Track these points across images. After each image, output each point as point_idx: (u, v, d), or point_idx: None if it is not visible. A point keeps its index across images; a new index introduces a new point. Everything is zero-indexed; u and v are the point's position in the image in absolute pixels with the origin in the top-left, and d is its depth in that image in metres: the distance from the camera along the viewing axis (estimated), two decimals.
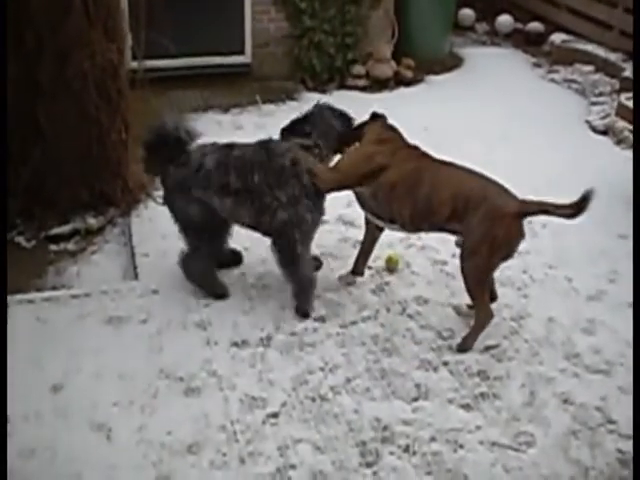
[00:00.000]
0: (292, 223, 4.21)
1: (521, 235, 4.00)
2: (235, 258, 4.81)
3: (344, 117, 4.49)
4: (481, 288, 4.10)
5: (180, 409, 3.65)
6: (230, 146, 4.37)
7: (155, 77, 5.83)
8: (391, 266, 4.73)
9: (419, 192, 4.05)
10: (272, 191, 4.19)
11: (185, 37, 7.08)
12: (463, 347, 4.14)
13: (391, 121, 4.51)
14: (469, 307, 4.33)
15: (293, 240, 4.24)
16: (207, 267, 4.49)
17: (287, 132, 4.43)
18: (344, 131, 4.43)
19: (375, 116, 4.45)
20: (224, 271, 4.69)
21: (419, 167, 4.15)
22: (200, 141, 4.42)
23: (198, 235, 4.38)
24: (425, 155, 4.27)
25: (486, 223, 3.91)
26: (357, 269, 4.66)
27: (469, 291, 4.10)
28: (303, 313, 4.35)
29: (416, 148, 4.31)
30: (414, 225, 4.22)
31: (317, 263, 4.72)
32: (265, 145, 4.33)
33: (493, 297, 4.32)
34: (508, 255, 4.04)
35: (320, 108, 4.47)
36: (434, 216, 4.06)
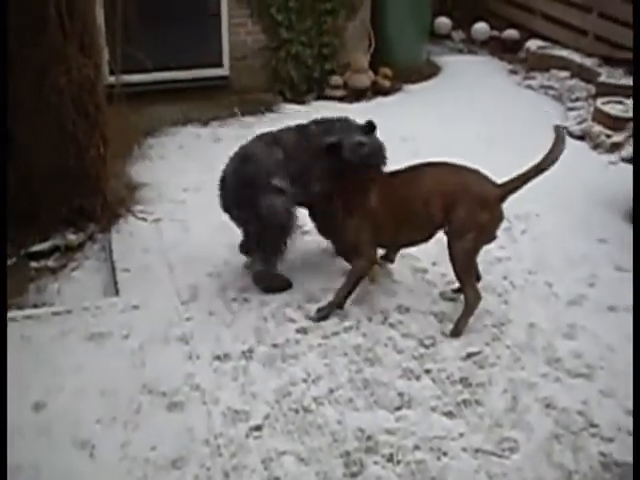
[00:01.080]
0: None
1: (501, 218, 4.28)
2: None
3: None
4: (469, 271, 4.32)
5: (163, 424, 3.64)
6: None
7: (133, 92, 5.83)
8: (372, 275, 4.73)
9: (415, 210, 4.31)
10: None
11: (162, 51, 7.09)
12: (456, 332, 4.28)
13: None
14: (453, 291, 4.55)
15: None
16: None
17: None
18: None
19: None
20: (204, 284, 4.70)
21: (399, 190, 4.37)
22: None
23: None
24: (393, 175, 4.51)
25: (470, 211, 4.17)
26: (389, 256, 4.86)
27: (457, 275, 4.33)
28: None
29: (382, 174, 4.58)
30: (425, 237, 4.48)
31: None
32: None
33: (477, 278, 4.51)
34: (490, 239, 4.33)
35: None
36: (435, 222, 4.32)
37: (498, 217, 4.25)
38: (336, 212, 4.51)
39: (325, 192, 4.57)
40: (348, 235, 4.50)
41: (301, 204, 4.70)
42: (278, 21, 7.71)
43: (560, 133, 4.23)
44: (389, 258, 4.89)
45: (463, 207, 4.17)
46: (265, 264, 4.61)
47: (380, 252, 4.83)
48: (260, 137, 4.71)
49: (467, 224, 4.18)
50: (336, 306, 4.45)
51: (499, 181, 4.26)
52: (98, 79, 5.16)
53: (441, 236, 4.56)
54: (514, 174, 4.23)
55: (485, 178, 4.29)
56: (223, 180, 4.67)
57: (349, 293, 4.47)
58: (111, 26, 5.55)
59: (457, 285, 4.49)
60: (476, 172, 4.32)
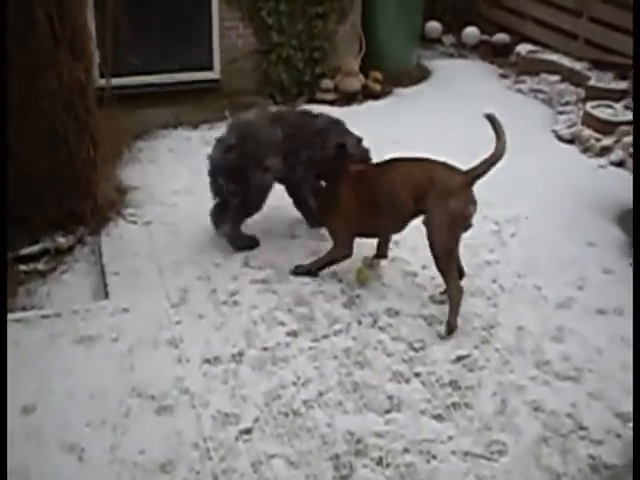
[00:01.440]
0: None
1: (472, 202, 4.38)
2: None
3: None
4: (449, 264, 4.40)
5: (153, 428, 3.64)
6: None
7: (123, 95, 5.83)
8: (361, 279, 4.74)
9: (381, 202, 4.48)
10: None
11: (153, 54, 7.10)
12: (449, 331, 4.34)
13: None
14: (442, 294, 4.59)
15: None
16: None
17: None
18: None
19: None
20: (194, 287, 4.71)
21: (367, 184, 4.56)
22: None
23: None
24: (362, 170, 4.73)
25: (439, 202, 4.31)
26: (381, 252, 4.95)
27: (439, 269, 4.41)
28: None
29: (352, 168, 4.74)
30: (398, 227, 4.67)
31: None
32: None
33: (461, 274, 4.60)
34: (466, 225, 4.40)
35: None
36: (405, 212, 4.49)
37: (467, 202, 4.34)
38: (316, 202, 4.91)
39: (306, 177, 5.06)
40: (326, 224, 4.82)
41: (280, 180, 5.17)
42: (269, 24, 7.72)
43: (495, 122, 4.38)
44: (382, 254, 4.95)
45: (432, 198, 4.32)
46: (234, 227, 5.08)
47: (371, 252, 4.89)
48: (264, 113, 5.14)
49: (439, 214, 4.31)
50: (311, 273, 4.81)
51: (465, 168, 4.39)
52: (88, 82, 5.16)
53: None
54: (477, 161, 4.36)
55: (451, 167, 4.44)
56: (220, 148, 4.98)
57: (322, 267, 4.81)
58: (101, 29, 5.54)
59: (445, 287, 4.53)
60: (442, 163, 4.46)
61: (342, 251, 4.75)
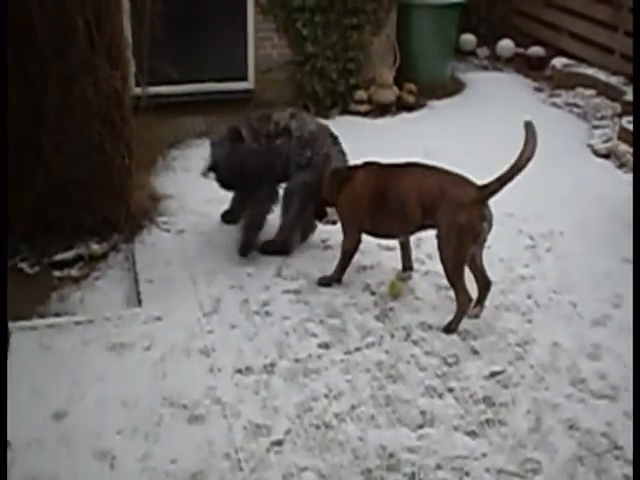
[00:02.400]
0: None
1: (485, 219, 4.32)
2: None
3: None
4: (458, 275, 4.39)
5: (184, 437, 3.63)
6: None
7: (158, 103, 5.85)
8: (395, 292, 4.71)
9: (391, 206, 4.49)
10: None
11: (188, 63, 7.13)
12: (448, 329, 4.42)
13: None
14: (473, 307, 4.56)
15: None
16: None
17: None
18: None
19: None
20: (226, 297, 4.71)
21: (380, 183, 4.56)
22: None
23: None
24: (381, 167, 4.68)
25: (449, 214, 4.29)
26: (406, 264, 4.95)
27: (448, 279, 4.44)
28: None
29: (371, 164, 4.72)
30: (406, 232, 4.70)
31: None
32: None
33: (487, 283, 4.58)
34: (476, 240, 4.34)
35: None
36: (413, 220, 4.49)
37: (479, 219, 4.28)
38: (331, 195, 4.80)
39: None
40: (339, 213, 4.79)
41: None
42: (304, 35, 7.75)
43: (531, 129, 4.29)
44: (407, 266, 4.94)
45: (442, 210, 4.30)
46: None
47: (398, 265, 4.92)
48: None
49: (448, 227, 4.30)
50: (335, 279, 4.82)
51: (480, 183, 4.35)
52: (125, 91, 5.19)
53: None
54: (494, 176, 4.31)
55: (465, 181, 4.39)
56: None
57: (343, 268, 4.82)
58: (138, 38, 5.57)
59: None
60: (456, 175, 4.43)
61: (350, 241, 4.75)
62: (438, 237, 4.39)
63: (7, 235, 4.57)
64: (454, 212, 4.27)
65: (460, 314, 4.42)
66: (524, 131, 4.29)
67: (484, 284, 4.58)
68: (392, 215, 4.55)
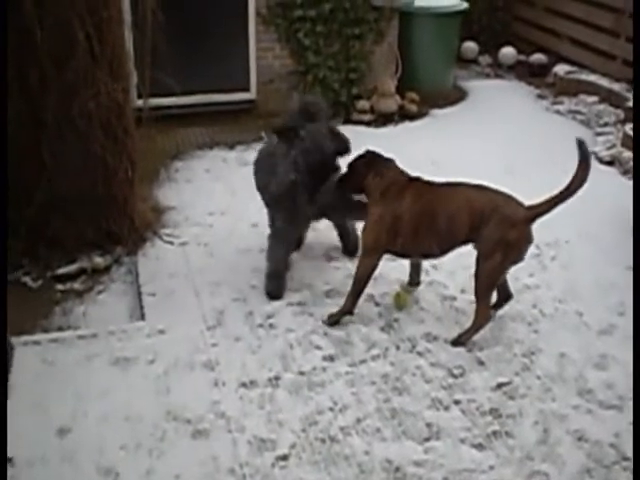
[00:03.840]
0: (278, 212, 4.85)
1: (530, 240, 4.27)
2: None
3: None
4: (489, 290, 4.35)
5: (188, 452, 3.60)
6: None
7: (160, 115, 5.84)
8: (400, 303, 4.68)
9: (439, 224, 4.32)
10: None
11: (190, 75, 7.11)
12: (457, 342, 4.38)
13: (394, 155, 4.57)
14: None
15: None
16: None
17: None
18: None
19: (369, 154, 4.63)
20: (230, 309, 4.68)
21: (428, 201, 4.37)
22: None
23: None
24: (427, 185, 4.48)
25: (498, 231, 4.18)
26: (413, 280, 4.89)
27: (476, 291, 4.34)
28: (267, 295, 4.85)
29: (417, 180, 4.50)
30: (442, 251, 4.48)
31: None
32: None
33: (508, 297, 4.59)
34: (517, 260, 4.31)
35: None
36: (457, 238, 4.35)
37: (525, 239, 4.25)
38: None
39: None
40: (364, 235, 4.53)
41: None
42: (306, 45, 7.74)
43: (584, 148, 4.19)
44: (414, 282, 4.89)
45: (491, 227, 4.19)
46: None
47: (402, 276, 4.86)
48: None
49: (494, 244, 4.19)
50: (346, 312, 4.55)
51: (528, 203, 4.26)
52: (127, 103, 5.18)
53: (469, 264, 4.52)
54: (543, 198, 4.20)
55: (514, 200, 4.30)
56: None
57: (355, 297, 4.54)
58: (139, 50, 5.56)
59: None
60: (505, 194, 4.33)
61: (367, 265, 4.48)
62: (479, 250, 4.29)
63: (6, 248, 4.56)
64: (504, 229, 4.17)
65: (475, 329, 4.37)
66: (578, 151, 4.18)
67: (505, 296, 4.58)
68: (435, 233, 4.36)
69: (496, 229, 4.19)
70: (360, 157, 4.61)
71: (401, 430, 3.76)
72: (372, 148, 4.69)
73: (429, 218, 4.34)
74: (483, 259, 4.26)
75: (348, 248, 5.27)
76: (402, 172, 4.53)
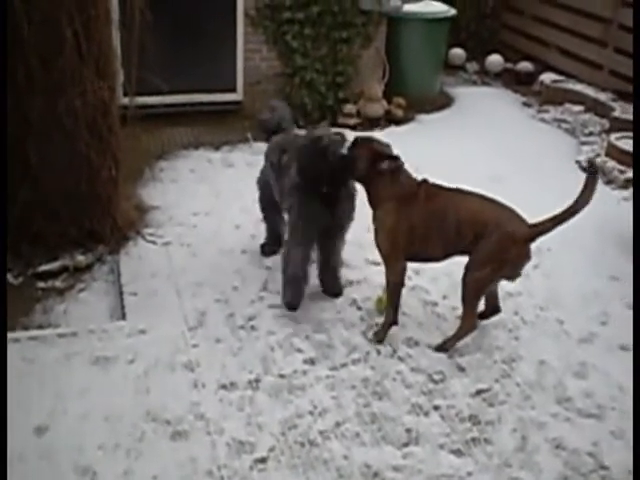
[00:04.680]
0: (291, 209, 4.61)
1: (528, 257, 4.23)
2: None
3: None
4: (476, 299, 4.30)
5: (166, 453, 3.58)
6: (299, 134, 5.04)
7: (146, 114, 5.83)
8: (381, 308, 4.68)
9: (447, 227, 4.26)
10: (289, 173, 4.58)
11: (177, 74, 7.11)
12: (441, 348, 4.38)
13: None
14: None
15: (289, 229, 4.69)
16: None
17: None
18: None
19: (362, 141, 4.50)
20: (211, 310, 4.67)
21: (440, 203, 4.31)
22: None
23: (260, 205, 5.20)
24: (437, 188, 4.41)
25: (497, 247, 4.14)
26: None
27: (463, 299, 4.30)
28: (284, 305, 4.71)
29: (425, 182, 4.43)
30: (445, 256, 4.43)
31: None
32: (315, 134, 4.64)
33: (496, 309, 4.61)
34: (513, 275, 4.29)
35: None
36: (461, 244, 4.27)
37: (524, 256, 4.20)
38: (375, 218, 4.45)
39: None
40: (380, 242, 4.41)
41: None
42: (293, 48, 7.74)
43: (593, 171, 4.15)
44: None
45: (490, 241, 4.13)
46: None
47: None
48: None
49: (490, 257, 4.16)
50: (390, 324, 4.48)
51: (531, 221, 4.20)
52: (112, 101, 5.15)
53: (450, 270, 4.54)
54: (546, 216, 4.15)
55: (518, 217, 4.23)
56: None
57: (395, 307, 4.48)
58: (126, 49, 5.54)
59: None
60: (510, 210, 4.27)
61: (396, 271, 4.40)
62: (472, 259, 4.23)
63: (6, 248, 4.54)
64: (503, 246, 4.12)
65: (460, 336, 4.37)
66: (587, 171, 4.17)
67: (493, 309, 4.59)
68: (444, 236, 4.29)
69: (495, 244, 4.13)
70: (377, 152, 4.40)
71: (380, 435, 3.76)
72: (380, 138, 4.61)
73: (440, 220, 4.27)
74: (474, 268, 4.21)
75: (331, 289, 4.93)
76: (410, 176, 4.43)
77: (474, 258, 4.22)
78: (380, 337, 4.46)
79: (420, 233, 4.31)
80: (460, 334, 4.36)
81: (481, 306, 4.45)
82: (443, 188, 4.42)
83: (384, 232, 4.37)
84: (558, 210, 4.12)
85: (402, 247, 4.35)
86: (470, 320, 4.34)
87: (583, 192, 4.09)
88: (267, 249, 5.30)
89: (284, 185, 4.69)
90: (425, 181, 4.43)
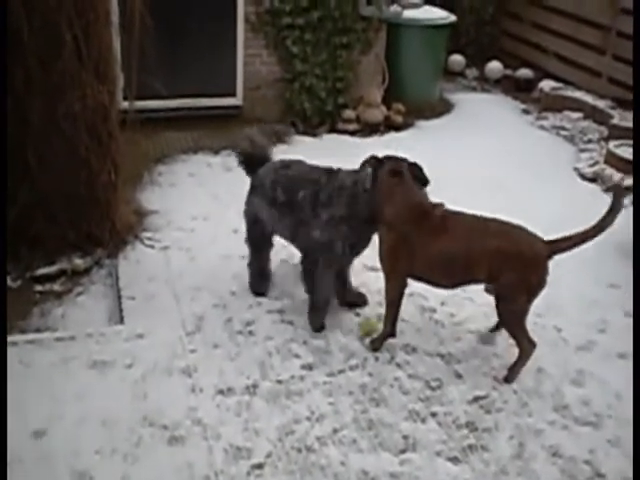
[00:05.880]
0: (322, 244, 4.42)
1: (547, 272, 4.12)
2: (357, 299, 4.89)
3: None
4: (522, 328, 4.20)
5: (164, 458, 3.58)
6: (289, 164, 4.75)
7: (146, 118, 5.83)
8: (367, 331, 4.54)
9: (455, 266, 4.18)
10: (315, 209, 4.43)
11: (177, 78, 7.13)
12: (509, 378, 4.23)
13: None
14: (491, 331, 4.51)
15: (317, 260, 4.48)
16: (253, 263, 4.95)
17: None
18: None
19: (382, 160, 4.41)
20: (209, 315, 4.67)
21: (446, 244, 4.15)
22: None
23: (249, 235, 4.90)
24: (448, 220, 4.22)
25: (521, 273, 4.05)
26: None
27: (510, 334, 4.25)
28: (313, 328, 4.59)
29: (438, 208, 4.26)
30: (453, 286, 4.39)
31: (362, 299, 4.87)
32: (329, 169, 4.59)
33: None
34: (538, 294, 4.17)
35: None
36: (473, 277, 4.22)
37: (545, 274, 4.11)
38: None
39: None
40: (381, 258, 4.37)
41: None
42: (293, 53, 7.75)
43: (619, 198, 4.12)
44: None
45: (514, 270, 4.04)
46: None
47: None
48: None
49: (515, 285, 4.07)
50: (387, 335, 4.45)
51: (547, 238, 4.14)
52: (112, 106, 5.16)
53: None
54: (567, 233, 4.11)
55: (535, 238, 4.14)
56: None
57: (392, 320, 4.45)
58: (127, 52, 5.55)
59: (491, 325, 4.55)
60: (525, 232, 4.17)
61: (395, 289, 4.38)
62: (500, 294, 4.15)
63: (6, 249, 4.54)
64: (526, 273, 4.04)
65: (523, 362, 4.23)
66: (613, 197, 4.14)
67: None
68: (450, 274, 4.23)
69: (519, 272, 4.04)
70: (395, 171, 4.33)
71: (377, 441, 3.76)
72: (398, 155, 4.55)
73: (445, 261, 4.17)
74: (507, 302, 4.13)
75: (356, 297, 4.90)
76: (422, 196, 4.31)
77: (501, 293, 4.13)
78: (376, 346, 4.44)
79: (422, 262, 4.22)
80: (521, 361, 4.23)
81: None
82: (457, 220, 4.22)
83: (384, 249, 4.33)
84: (580, 229, 4.11)
85: (404, 267, 4.29)
86: (524, 344, 4.20)
87: (608, 214, 4.07)
88: (263, 287, 4.97)
89: (299, 219, 4.50)
90: (440, 205, 4.28)
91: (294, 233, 4.61)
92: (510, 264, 4.04)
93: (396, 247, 4.25)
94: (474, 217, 4.26)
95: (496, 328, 4.53)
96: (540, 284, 4.11)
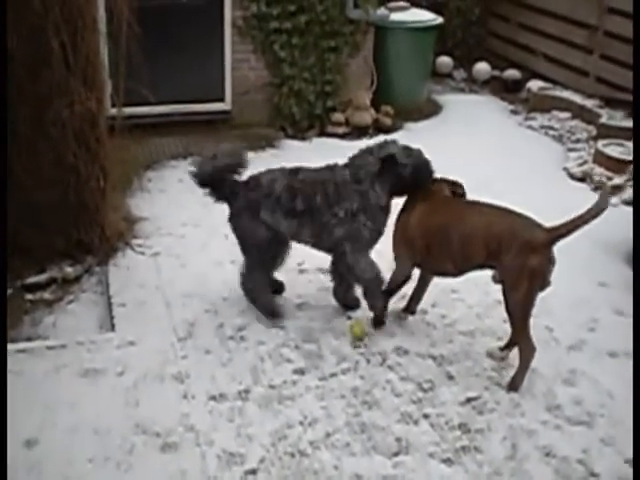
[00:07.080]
0: (348, 238, 4.44)
1: (553, 263, 4.11)
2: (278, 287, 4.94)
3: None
4: (525, 323, 4.16)
5: (157, 466, 3.57)
6: (296, 171, 4.60)
7: (134, 124, 5.82)
8: (357, 336, 4.53)
9: (452, 244, 4.22)
10: (331, 209, 4.42)
11: (165, 84, 7.10)
12: (513, 387, 4.19)
13: None
14: (501, 349, 4.44)
15: (346, 252, 4.48)
16: (264, 286, 4.76)
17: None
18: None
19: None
20: (200, 321, 4.66)
21: (441, 220, 4.30)
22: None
23: (260, 255, 4.63)
24: (444, 200, 4.46)
25: (520, 258, 4.03)
26: (411, 307, 4.78)
27: (513, 326, 4.24)
28: (376, 319, 4.65)
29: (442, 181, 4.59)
30: (460, 272, 4.39)
31: (356, 303, 4.86)
32: (331, 166, 4.61)
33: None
34: (544, 285, 4.14)
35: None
36: (473, 260, 4.24)
37: (549, 261, 4.08)
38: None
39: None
40: (393, 245, 4.53)
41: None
42: (281, 57, 7.74)
43: (604, 194, 4.17)
44: (410, 309, 4.77)
45: (512, 254, 4.03)
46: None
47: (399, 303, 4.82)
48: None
49: (516, 272, 4.04)
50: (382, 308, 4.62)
51: (548, 225, 4.12)
52: (100, 112, 5.15)
53: (438, 279, 4.55)
54: (565, 219, 4.09)
55: (533, 222, 4.15)
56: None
57: (387, 295, 4.60)
58: (114, 59, 5.54)
59: (504, 343, 4.48)
60: (524, 217, 4.20)
61: (400, 274, 4.51)
62: (504, 282, 4.13)
63: (6, 250, 4.51)
64: (524, 256, 4.00)
65: (525, 367, 4.19)
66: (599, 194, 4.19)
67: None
68: (449, 254, 4.27)
69: (517, 256, 4.02)
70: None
71: (370, 444, 3.76)
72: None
73: (441, 237, 4.24)
74: (510, 291, 4.10)
75: (345, 301, 4.88)
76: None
77: (504, 280, 4.14)
78: (378, 320, 4.63)
79: (420, 245, 4.33)
80: (524, 365, 4.19)
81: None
82: (451, 201, 4.46)
83: (393, 232, 4.50)
84: (579, 212, 4.06)
85: (406, 252, 4.43)
86: (527, 346, 4.17)
87: (598, 201, 4.06)
88: (279, 306, 4.83)
89: (321, 223, 4.46)
90: (443, 181, 4.61)
91: (317, 237, 4.55)
92: (505, 244, 4.05)
93: (397, 231, 4.46)
94: (475, 200, 4.43)
95: (507, 347, 4.44)
96: (541, 269, 4.04)
